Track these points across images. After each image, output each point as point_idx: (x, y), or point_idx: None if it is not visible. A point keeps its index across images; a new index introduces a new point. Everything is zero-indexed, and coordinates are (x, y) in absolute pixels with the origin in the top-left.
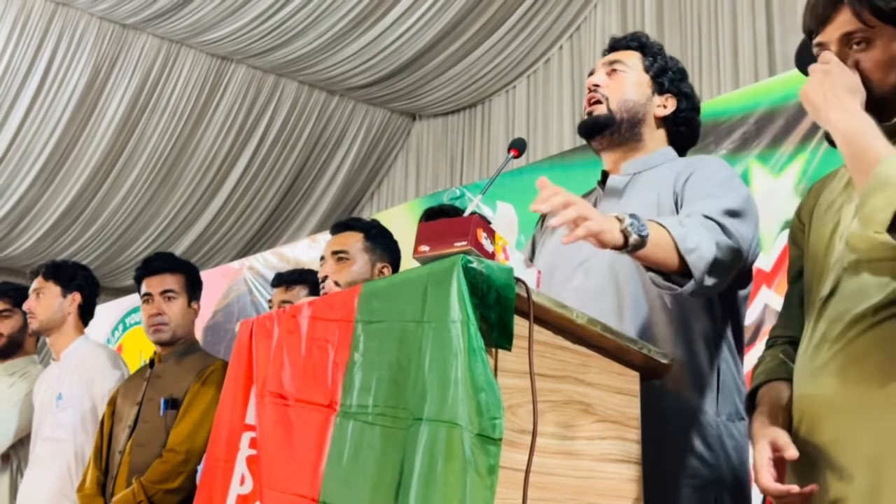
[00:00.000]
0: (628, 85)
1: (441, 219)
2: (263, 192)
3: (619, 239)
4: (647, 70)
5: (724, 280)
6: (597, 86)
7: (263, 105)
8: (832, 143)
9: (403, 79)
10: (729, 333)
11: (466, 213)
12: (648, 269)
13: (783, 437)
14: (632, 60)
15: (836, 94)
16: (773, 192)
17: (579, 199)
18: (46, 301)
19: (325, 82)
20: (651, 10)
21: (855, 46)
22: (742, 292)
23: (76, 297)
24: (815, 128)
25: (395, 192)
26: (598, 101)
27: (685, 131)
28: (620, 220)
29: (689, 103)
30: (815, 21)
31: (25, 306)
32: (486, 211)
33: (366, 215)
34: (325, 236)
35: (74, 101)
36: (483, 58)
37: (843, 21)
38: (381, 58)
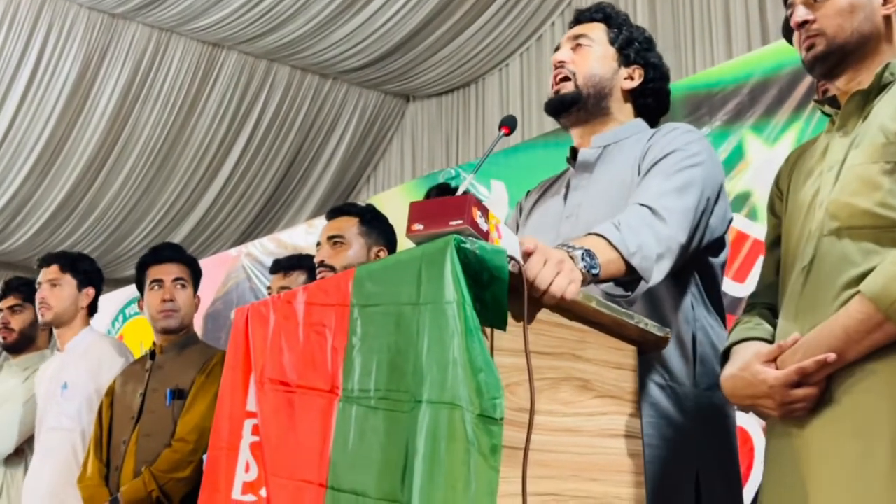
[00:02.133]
0: (593, 59)
1: (433, 198)
2: (259, 178)
3: (581, 278)
4: (612, 42)
5: (677, 262)
6: (562, 62)
7: (256, 91)
8: (824, 112)
9: (396, 60)
10: (705, 303)
11: (459, 192)
12: (598, 281)
13: (760, 350)
14: (596, 33)
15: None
16: (768, 162)
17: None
18: (62, 293)
19: (317, 66)
20: None
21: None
22: (716, 260)
23: (90, 293)
24: (808, 96)
25: (392, 175)
26: (566, 79)
27: (652, 103)
28: (574, 259)
29: (656, 73)
30: None
31: (38, 296)
32: (482, 189)
33: (362, 198)
34: (323, 221)
35: (66, 93)
36: (475, 36)
37: None
38: (373, 40)
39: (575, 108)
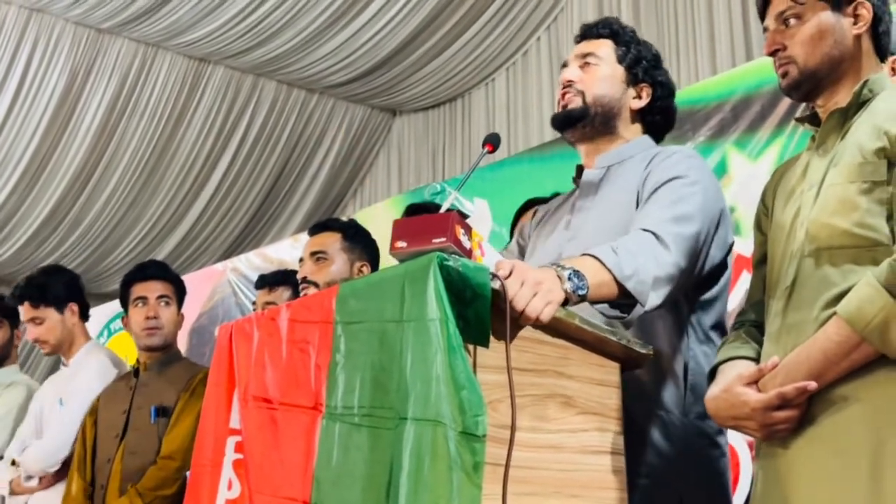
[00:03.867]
0: (601, 78)
1: (417, 215)
2: (245, 192)
3: (562, 298)
4: (620, 60)
5: (675, 289)
6: (571, 81)
7: (243, 105)
8: (800, 122)
9: (382, 75)
10: (700, 331)
11: (443, 209)
12: (594, 302)
13: (742, 372)
14: (604, 51)
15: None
16: (751, 177)
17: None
18: (49, 325)
19: (304, 81)
20: None
21: (791, 22)
22: (715, 286)
23: (73, 308)
24: (791, 112)
25: (378, 189)
26: (575, 95)
27: (660, 121)
28: (560, 279)
29: (663, 91)
30: (760, 8)
31: (30, 337)
32: (467, 205)
33: (349, 213)
34: (308, 236)
35: (52, 108)
36: (461, 51)
37: (778, 2)
38: (360, 54)
39: (581, 124)
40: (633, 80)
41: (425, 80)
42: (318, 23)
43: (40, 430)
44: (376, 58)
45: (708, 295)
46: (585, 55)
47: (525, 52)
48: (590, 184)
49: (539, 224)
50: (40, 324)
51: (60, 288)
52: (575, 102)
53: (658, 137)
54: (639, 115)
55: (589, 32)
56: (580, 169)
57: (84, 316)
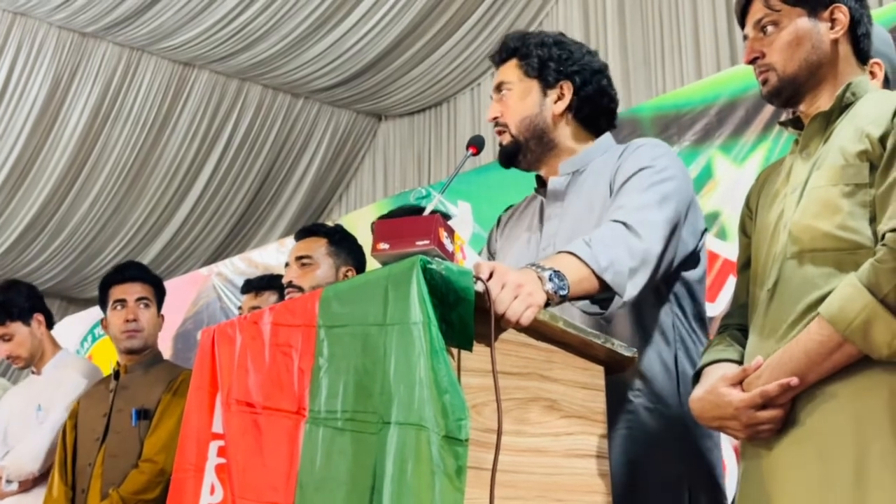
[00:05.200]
0: (515, 103)
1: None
2: (231, 197)
3: (544, 300)
4: (528, 74)
5: (651, 277)
6: (494, 118)
7: (228, 110)
8: (783, 126)
9: (368, 79)
10: (685, 321)
11: (427, 212)
12: (575, 299)
13: (726, 373)
14: (511, 73)
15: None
16: (736, 181)
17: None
18: (19, 339)
19: (289, 85)
20: (612, 3)
21: (769, 30)
22: (693, 275)
23: (39, 318)
24: (776, 116)
25: (364, 194)
26: (502, 132)
27: (591, 110)
28: (541, 280)
29: (583, 77)
30: (739, 16)
31: (2, 355)
32: (451, 207)
33: (334, 217)
34: (294, 241)
35: (36, 112)
36: (447, 56)
37: (755, 10)
38: (345, 59)
39: (520, 155)
40: (546, 85)
41: (411, 85)
42: (303, 27)
43: (6, 438)
44: (362, 62)
45: (687, 283)
46: (499, 86)
47: None
48: (556, 192)
49: (505, 230)
50: (10, 340)
51: (23, 301)
52: (505, 139)
53: (609, 122)
54: (570, 113)
55: (495, 61)
56: (540, 178)
57: (49, 325)
